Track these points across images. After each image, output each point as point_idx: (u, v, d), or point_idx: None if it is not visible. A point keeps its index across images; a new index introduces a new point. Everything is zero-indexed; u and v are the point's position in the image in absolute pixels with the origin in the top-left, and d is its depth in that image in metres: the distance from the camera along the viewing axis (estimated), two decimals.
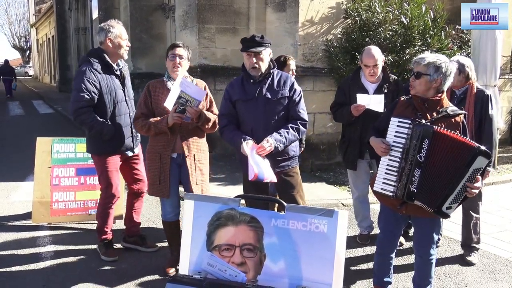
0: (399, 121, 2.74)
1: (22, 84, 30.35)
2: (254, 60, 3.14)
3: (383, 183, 2.78)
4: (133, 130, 3.72)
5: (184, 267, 2.12)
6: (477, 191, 2.62)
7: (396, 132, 2.73)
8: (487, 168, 3.54)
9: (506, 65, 8.63)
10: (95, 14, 15.14)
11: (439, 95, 2.74)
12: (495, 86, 6.89)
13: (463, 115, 2.76)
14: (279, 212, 2.08)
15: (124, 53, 3.65)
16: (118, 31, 3.60)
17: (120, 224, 4.19)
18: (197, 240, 2.14)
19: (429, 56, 2.74)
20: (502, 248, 4.10)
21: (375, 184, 2.83)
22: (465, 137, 2.59)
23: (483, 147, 2.57)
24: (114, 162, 3.70)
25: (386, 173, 2.77)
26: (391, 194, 2.75)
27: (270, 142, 3.05)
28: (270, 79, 3.23)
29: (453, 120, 2.72)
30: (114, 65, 3.64)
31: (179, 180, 3.48)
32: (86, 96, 3.44)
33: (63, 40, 21.92)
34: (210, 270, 2.08)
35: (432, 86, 2.71)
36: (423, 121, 2.68)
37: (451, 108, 2.76)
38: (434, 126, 2.62)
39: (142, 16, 11.43)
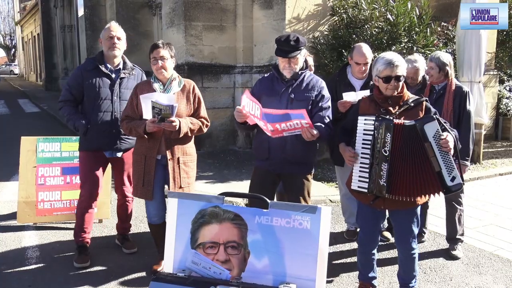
0: (365, 119, 2.80)
1: (7, 83, 29.95)
2: (288, 65, 3.08)
3: (359, 181, 2.84)
4: (115, 131, 3.64)
5: (169, 265, 2.12)
6: (451, 144, 2.63)
7: (364, 130, 2.80)
8: (465, 162, 3.62)
9: (490, 61, 8.76)
10: (81, 12, 14.98)
11: (403, 91, 2.82)
12: (480, 82, 6.99)
13: (424, 101, 2.83)
14: (263, 209, 2.09)
15: (110, 53, 3.61)
16: (103, 32, 3.64)
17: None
18: (181, 238, 2.14)
19: (400, 58, 2.77)
20: (486, 242, 4.16)
21: (352, 183, 2.88)
22: (405, 120, 2.68)
23: (422, 117, 2.68)
24: (92, 160, 3.67)
25: (360, 171, 2.83)
26: (366, 190, 2.81)
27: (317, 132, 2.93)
28: (299, 80, 3.15)
29: (416, 109, 2.78)
30: (109, 65, 3.64)
31: (164, 182, 3.45)
32: (67, 91, 3.67)
33: (49, 38, 21.63)
34: (195, 268, 2.09)
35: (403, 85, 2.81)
36: (388, 116, 2.73)
37: (412, 99, 2.83)
38: (394, 120, 2.69)
39: (129, 13, 11.33)
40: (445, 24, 8.09)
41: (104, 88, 3.61)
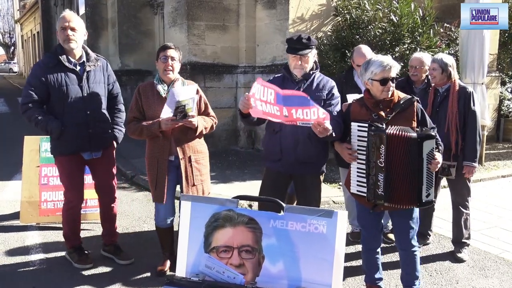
0: (358, 125, 2.79)
1: (6, 81, 29.87)
2: (300, 63, 3.08)
3: (357, 185, 2.85)
4: (92, 131, 3.41)
5: (182, 270, 2.09)
6: (439, 165, 2.70)
7: (358, 136, 2.79)
8: (473, 164, 3.61)
9: (492, 63, 8.75)
10: (81, 10, 14.93)
11: (393, 94, 2.80)
12: (482, 84, 6.98)
13: (415, 101, 2.81)
14: (278, 213, 2.07)
15: (65, 46, 3.30)
16: (57, 22, 3.33)
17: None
18: (194, 241, 2.11)
19: (391, 60, 2.77)
20: (491, 245, 4.15)
21: (351, 186, 2.89)
22: (407, 131, 2.63)
23: (423, 132, 2.66)
24: (71, 163, 3.46)
25: (358, 175, 2.84)
26: (365, 195, 2.82)
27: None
28: (310, 80, 3.16)
29: (408, 111, 2.77)
30: (72, 59, 3.36)
31: (177, 183, 3.44)
32: (31, 91, 3.31)
33: (49, 36, 21.57)
34: (208, 272, 2.06)
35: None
36: (379, 125, 2.70)
37: (403, 100, 2.80)
38: (387, 131, 2.65)
39: (130, 12, 11.30)
40: (447, 25, 8.07)
41: (72, 86, 3.33)
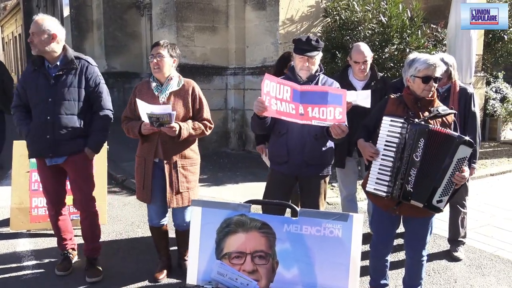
0: (391, 120, 2.70)
1: None
2: (307, 64, 3.06)
3: (376, 183, 2.74)
4: (50, 136, 3.23)
5: (193, 277, 2.04)
6: (464, 180, 2.59)
7: (389, 131, 2.71)
8: (472, 164, 3.63)
9: (478, 63, 8.88)
10: (66, 12, 14.71)
11: (434, 94, 2.74)
12: (470, 84, 7.06)
13: (453, 114, 2.77)
14: (292, 217, 2.03)
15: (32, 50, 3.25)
16: None
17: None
18: (205, 248, 2.07)
19: (437, 59, 2.71)
20: (486, 243, 4.20)
21: (367, 184, 2.79)
22: (447, 129, 2.61)
23: (465, 137, 2.58)
24: (41, 167, 3.40)
25: (379, 173, 2.73)
26: (384, 194, 2.72)
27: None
28: (314, 82, 3.14)
29: (444, 119, 2.72)
30: (48, 64, 3.25)
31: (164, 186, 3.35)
32: (16, 96, 3.40)
33: None
34: (221, 279, 2.02)
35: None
36: (416, 120, 2.66)
37: (441, 107, 2.76)
38: (429, 125, 2.61)
39: (116, 14, 11.19)
40: (434, 26, 8.17)
41: (41, 90, 3.23)
